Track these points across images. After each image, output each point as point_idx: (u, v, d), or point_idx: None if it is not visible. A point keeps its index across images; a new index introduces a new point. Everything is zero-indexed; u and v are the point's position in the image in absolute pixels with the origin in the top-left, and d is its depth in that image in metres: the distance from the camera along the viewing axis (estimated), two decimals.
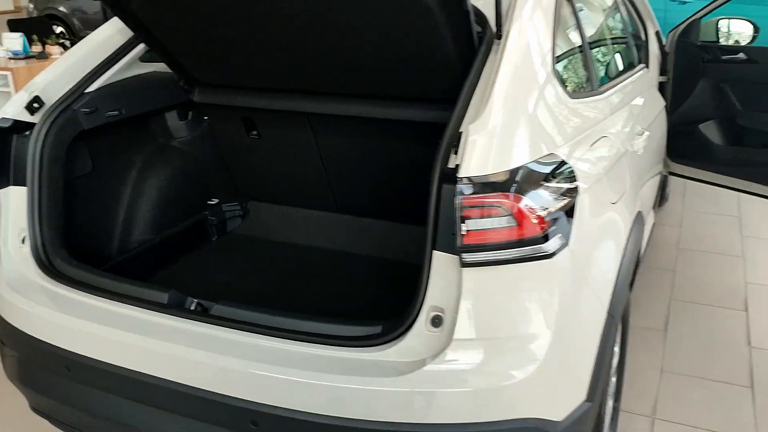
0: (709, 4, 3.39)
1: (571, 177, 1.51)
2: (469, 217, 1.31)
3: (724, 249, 3.78)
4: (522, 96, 1.50)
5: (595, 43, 2.23)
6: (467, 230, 1.32)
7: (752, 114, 3.28)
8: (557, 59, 1.74)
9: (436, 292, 1.39)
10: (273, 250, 2.38)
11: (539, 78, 1.59)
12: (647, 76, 2.62)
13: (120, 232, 2.20)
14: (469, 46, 1.62)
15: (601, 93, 1.97)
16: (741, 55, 3.30)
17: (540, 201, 1.38)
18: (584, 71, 1.96)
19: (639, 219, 2.06)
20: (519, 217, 1.34)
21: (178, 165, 2.37)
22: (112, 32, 2.09)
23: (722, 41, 3.53)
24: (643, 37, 3.51)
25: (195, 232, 2.44)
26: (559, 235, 1.41)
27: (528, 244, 1.35)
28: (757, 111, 3.27)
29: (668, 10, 7.17)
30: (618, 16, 2.59)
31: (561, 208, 1.44)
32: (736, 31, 3.53)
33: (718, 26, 3.44)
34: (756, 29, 3.53)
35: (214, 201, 2.53)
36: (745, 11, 7.07)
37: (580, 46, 1.98)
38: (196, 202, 2.47)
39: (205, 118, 2.43)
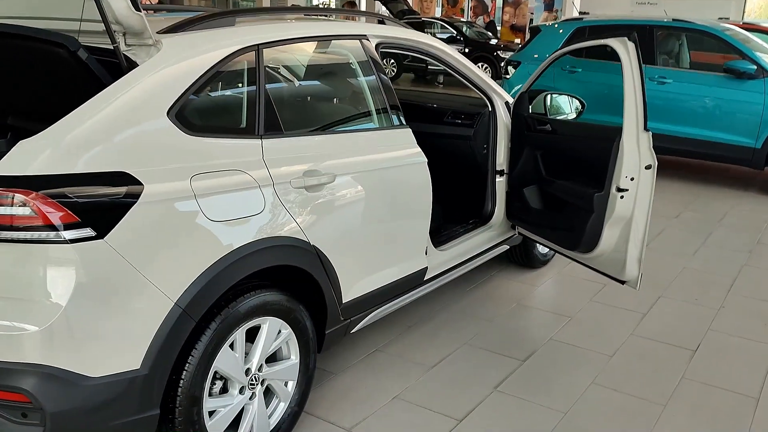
0: (530, 78, 3.74)
1: (132, 186, 1.98)
2: None
3: (560, 310, 3.97)
4: (99, 125, 1.99)
5: (285, 101, 2.70)
6: None
7: (551, 180, 3.56)
8: (190, 103, 2.24)
9: None
10: None
11: (134, 115, 2.08)
12: (382, 136, 3.00)
13: None
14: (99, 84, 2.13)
15: (258, 138, 2.42)
16: (548, 127, 3.60)
17: (68, 201, 1.87)
18: (239, 119, 2.43)
19: (301, 250, 2.48)
20: (35, 209, 1.83)
21: None
22: None
23: (553, 115, 3.83)
24: (489, 107, 3.90)
25: None
26: (89, 228, 1.89)
27: (43, 230, 1.83)
28: (554, 178, 3.54)
29: (648, 89, 7.33)
30: (336, 84, 3.03)
31: (98, 210, 1.92)
32: (562, 105, 3.83)
33: (545, 100, 3.76)
34: (582, 105, 3.81)
35: None
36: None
37: (251, 100, 2.46)
38: None
39: None
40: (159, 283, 2.04)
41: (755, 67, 6.74)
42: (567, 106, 3.97)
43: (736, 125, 6.82)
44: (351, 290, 2.82)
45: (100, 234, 1.91)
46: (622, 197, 3.09)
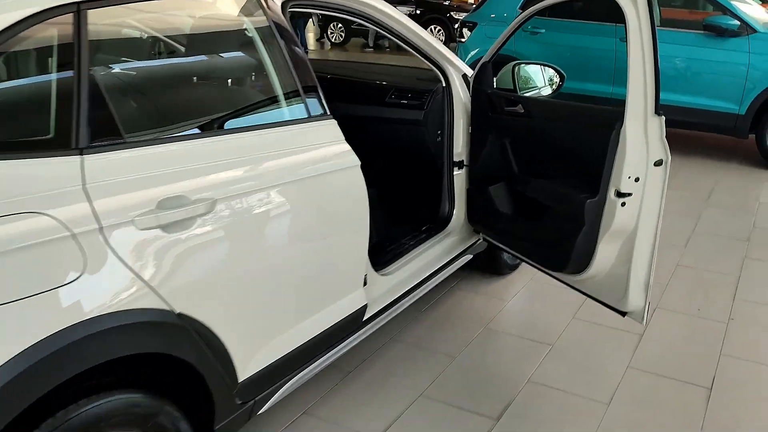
0: (494, 44, 2.87)
1: None
2: None
3: (538, 334, 3.18)
4: None
5: (128, 91, 1.78)
6: None
7: (525, 178, 2.73)
8: None
9: None
10: None
11: None
12: (293, 134, 2.10)
13: None
14: None
15: (77, 153, 1.52)
16: (519, 108, 2.75)
17: None
18: (43, 125, 1.52)
19: (158, 327, 1.59)
20: None
21: None
22: None
23: (523, 90, 2.99)
24: (442, 81, 3.04)
25: None
26: None
27: None
28: (529, 175, 2.71)
29: (618, 51, 6.57)
30: (217, 62, 2.11)
31: None
32: (533, 77, 2.98)
33: (515, 72, 2.90)
34: (561, 77, 2.97)
35: None
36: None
37: (65, 93, 1.54)
38: None
39: None
40: None
41: (738, 23, 6.00)
42: (540, 79, 3.13)
43: (717, 89, 6.11)
44: (252, 362, 1.96)
45: None
46: (623, 204, 2.29)
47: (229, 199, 1.79)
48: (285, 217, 1.99)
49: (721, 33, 6.04)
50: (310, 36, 17.70)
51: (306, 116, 2.16)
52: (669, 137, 2.23)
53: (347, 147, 2.26)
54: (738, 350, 3.06)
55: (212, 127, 1.90)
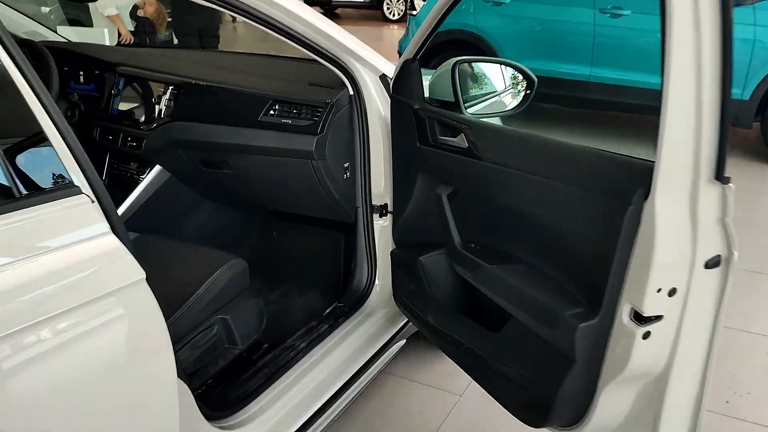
0: (419, 30, 1.76)
1: None
2: None
3: None
4: None
5: None
6: None
7: (471, 260, 1.64)
8: None
9: None
10: None
11: None
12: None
13: None
14: None
15: None
16: (460, 139, 1.65)
17: None
18: None
19: None
20: None
21: None
22: None
23: (471, 102, 1.89)
24: (349, 87, 1.96)
25: None
26: None
27: None
28: (479, 256, 1.63)
29: (598, 25, 5.51)
30: None
31: None
32: (489, 80, 1.88)
33: (454, 76, 1.79)
34: (530, 83, 1.87)
35: None
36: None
37: None
38: None
39: None
40: None
41: None
42: (498, 81, 2.03)
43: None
44: None
45: None
46: (646, 335, 1.24)
47: None
48: None
49: None
50: None
51: (11, 198, 1.05)
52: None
53: (117, 244, 1.15)
54: None
55: None
